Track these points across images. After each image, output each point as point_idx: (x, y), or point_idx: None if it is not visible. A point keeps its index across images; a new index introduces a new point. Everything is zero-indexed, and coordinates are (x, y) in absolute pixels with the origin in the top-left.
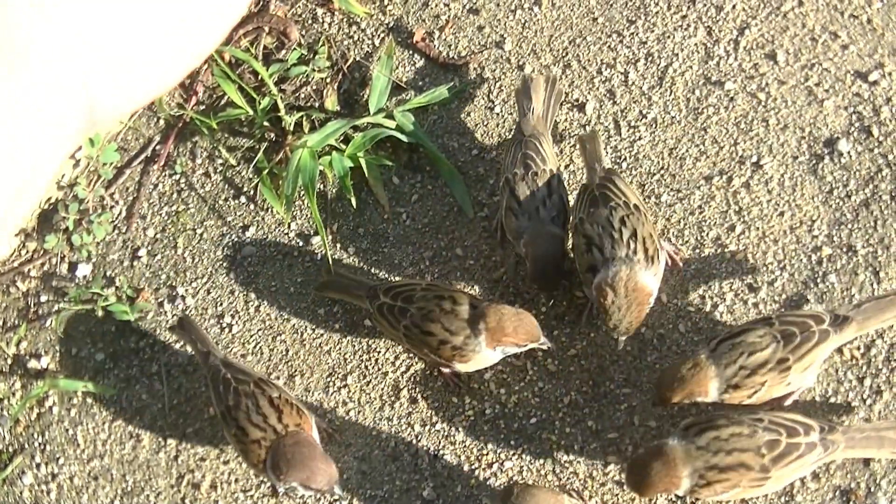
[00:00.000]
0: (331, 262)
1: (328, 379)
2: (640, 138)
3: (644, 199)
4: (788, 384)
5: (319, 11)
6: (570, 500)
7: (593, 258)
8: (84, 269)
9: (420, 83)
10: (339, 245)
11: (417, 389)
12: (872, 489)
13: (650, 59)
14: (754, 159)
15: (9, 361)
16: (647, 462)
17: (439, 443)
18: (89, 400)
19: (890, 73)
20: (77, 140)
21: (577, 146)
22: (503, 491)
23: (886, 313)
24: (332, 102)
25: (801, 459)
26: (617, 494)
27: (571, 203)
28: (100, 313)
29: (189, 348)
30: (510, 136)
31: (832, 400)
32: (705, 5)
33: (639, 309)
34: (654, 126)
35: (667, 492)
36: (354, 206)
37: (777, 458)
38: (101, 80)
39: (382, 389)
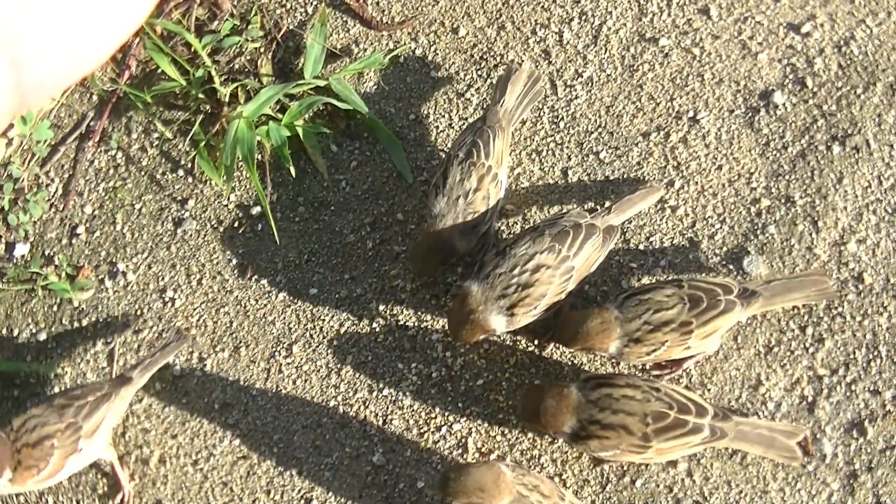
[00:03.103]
0: (275, 231)
1: (273, 349)
2: (576, 97)
3: (583, 159)
4: (688, 348)
5: None
6: (507, 468)
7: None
8: (21, 249)
9: (355, 49)
10: (279, 214)
11: (363, 355)
12: (818, 435)
13: (584, 17)
14: (691, 114)
15: None
16: (542, 394)
17: (387, 408)
18: (31, 380)
19: (822, 25)
20: (8, 120)
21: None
22: (440, 480)
23: (793, 293)
24: (266, 72)
25: (685, 438)
26: (566, 452)
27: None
28: (39, 293)
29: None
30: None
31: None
32: None
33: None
34: (590, 84)
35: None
36: (293, 175)
37: (660, 431)
38: (30, 58)
39: (328, 357)
